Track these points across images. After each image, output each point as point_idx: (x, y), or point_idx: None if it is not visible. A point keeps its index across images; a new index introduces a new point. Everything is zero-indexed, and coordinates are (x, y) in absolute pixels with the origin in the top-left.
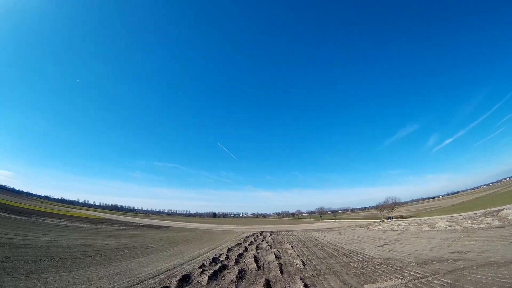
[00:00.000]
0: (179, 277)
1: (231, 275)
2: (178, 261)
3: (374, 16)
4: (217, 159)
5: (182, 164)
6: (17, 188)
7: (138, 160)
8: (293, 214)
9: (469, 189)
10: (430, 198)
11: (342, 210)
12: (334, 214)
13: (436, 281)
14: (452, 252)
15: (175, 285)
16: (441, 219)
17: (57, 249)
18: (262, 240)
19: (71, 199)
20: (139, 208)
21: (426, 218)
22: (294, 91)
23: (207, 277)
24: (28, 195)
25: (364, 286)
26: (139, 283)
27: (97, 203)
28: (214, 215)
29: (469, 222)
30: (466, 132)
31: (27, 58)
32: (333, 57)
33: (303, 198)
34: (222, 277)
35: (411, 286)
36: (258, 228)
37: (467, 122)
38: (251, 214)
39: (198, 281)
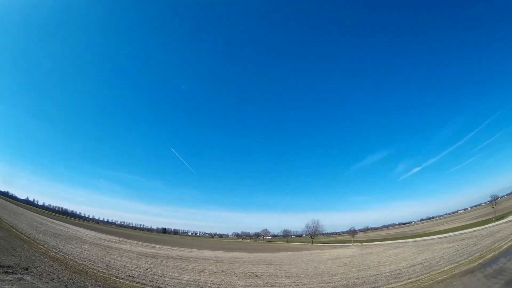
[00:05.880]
0: None
1: None
2: None
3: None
4: (179, 176)
5: (144, 177)
6: None
7: (101, 169)
8: (257, 236)
9: (445, 215)
10: (403, 224)
11: (306, 235)
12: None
13: None
14: None
15: None
16: None
17: None
18: None
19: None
20: (92, 217)
21: None
22: (257, 114)
23: None
24: None
25: None
26: None
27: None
28: (164, 230)
29: None
30: (436, 161)
31: None
32: (306, 77)
33: (263, 221)
34: None
35: None
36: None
37: (438, 151)
38: (208, 233)
39: None
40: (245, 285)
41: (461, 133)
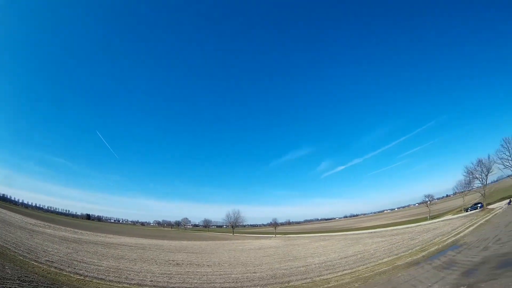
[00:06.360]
0: None
1: None
2: None
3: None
4: (104, 161)
5: (71, 161)
6: None
7: (32, 151)
8: (178, 224)
9: (371, 213)
10: (326, 219)
11: (226, 225)
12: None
13: None
14: None
15: None
16: None
17: None
18: None
19: None
20: (21, 201)
21: None
22: (182, 104)
23: None
24: None
25: None
26: None
27: None
28: (88, 217)
29: None
30: (362, 161)
31: None
32: (233, 68)
33: (184, 211)
34: None
35: None
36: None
37: (364, 152)
38: (131, 221)
39: None
40: (165, 273)
41: (390, 138)
